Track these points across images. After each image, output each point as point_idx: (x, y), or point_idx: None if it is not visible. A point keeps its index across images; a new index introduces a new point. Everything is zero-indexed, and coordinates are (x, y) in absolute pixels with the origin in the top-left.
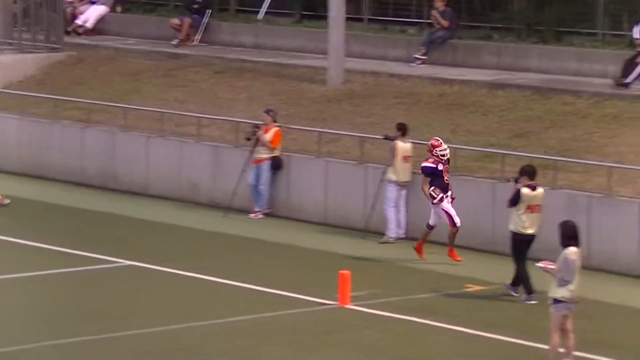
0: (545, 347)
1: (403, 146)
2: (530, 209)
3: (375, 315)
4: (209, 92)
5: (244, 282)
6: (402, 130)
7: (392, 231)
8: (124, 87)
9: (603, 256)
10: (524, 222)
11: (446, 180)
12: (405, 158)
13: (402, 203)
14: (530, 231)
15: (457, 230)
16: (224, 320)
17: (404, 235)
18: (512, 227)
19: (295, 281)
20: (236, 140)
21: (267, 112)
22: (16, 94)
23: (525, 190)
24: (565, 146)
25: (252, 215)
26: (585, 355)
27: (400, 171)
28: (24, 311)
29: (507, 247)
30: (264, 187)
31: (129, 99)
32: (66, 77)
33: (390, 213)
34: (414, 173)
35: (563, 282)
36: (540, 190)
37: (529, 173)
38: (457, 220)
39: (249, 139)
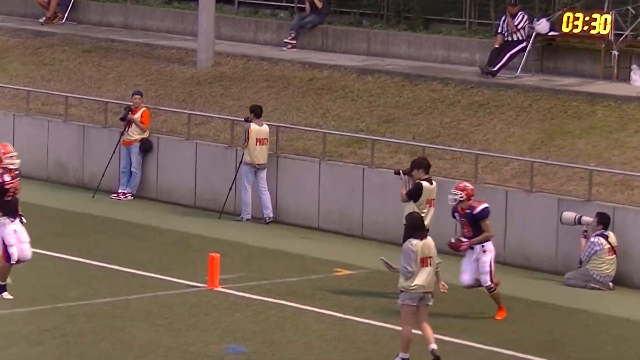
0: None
1: (257, 128)
2: (429, 203)
3: (245, 298)
4: (76, 71)
5: (111, 264)
6: (255, 112)
7: (247, 213)
8: None
9: None
10: (425, 217)
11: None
12: (260, 140)
13: (262, 185)
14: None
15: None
16: (89, 301)
17: (273, 217)
18: None
19: (164, 263)
20: (104, 121)
21: (136, 93)
22: None
23: (425, 184)
24: (433, 133)
25: (114, 195)
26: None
27: (255, 153)
28: None
29: (374, 233)
30: (135, 169)
31: None
32: None
33: (245, 195)
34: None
35: (408, 274)
36: (434, 183)
37: (425, 166)
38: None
39: (122, 119)
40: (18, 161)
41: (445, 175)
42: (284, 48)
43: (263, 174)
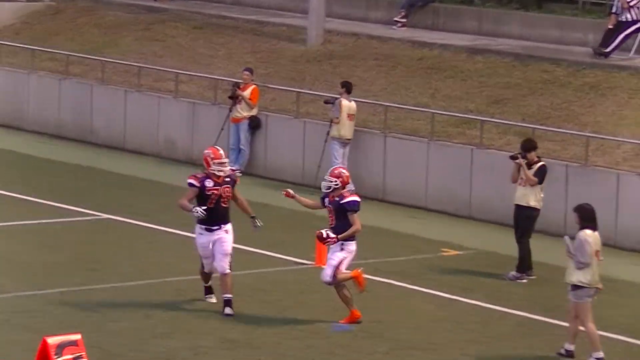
0: (521, 313)
1: (347, 104)
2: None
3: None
4: (187, 47)
5: None
6: (346, 87)
7: None
8: (102, 40)
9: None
10: (540, 200)
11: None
12: (350, 116)
13: (345, 160)
14: None
15: None
16: (197, 277)
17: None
18: (532, 203)
19: (273, 240)
20: (214, 98)
21: (246, 70)
22: None
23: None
24: (543, 114)
25: None
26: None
27: (345, 128)
28: (2, 260)
29: (481, 214)
30: (243, 146)
31: (106, 52)
32: (44, 27)
33: None
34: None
35: (583, 265)
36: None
37: (535, 149)
38: None
39: (231, 97)
40: (227, 168)
41: (555, 157)
42: (394, 27)
43: (347, 150)
